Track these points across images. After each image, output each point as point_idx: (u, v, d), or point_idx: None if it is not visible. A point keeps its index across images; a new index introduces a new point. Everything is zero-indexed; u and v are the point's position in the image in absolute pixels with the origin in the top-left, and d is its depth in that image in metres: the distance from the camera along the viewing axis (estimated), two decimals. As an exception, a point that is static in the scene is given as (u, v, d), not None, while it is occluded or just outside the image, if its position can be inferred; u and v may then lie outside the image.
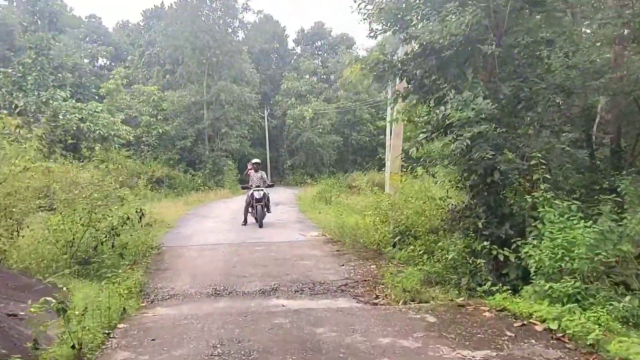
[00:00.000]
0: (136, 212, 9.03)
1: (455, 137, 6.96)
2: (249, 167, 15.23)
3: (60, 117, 17.99)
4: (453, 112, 6.98)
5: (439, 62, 7.85)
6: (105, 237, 8.24)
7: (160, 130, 30.75)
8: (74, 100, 22.04)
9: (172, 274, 8.21)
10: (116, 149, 23.10)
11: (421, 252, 8.40)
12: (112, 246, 8.32)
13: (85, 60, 51.42)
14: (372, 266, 8.62)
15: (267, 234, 12.81)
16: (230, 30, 36.56)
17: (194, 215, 18.38)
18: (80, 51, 45.61)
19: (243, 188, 15.01)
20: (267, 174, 15.69)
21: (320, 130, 44.87)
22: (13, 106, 15.08)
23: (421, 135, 8.23)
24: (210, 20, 34.61)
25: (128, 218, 8.53)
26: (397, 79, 8.93)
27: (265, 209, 14.67)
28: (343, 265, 8.74)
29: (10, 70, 16.54)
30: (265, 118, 47.59)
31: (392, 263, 8.80)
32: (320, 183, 34.26)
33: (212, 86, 32.88)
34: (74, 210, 8.53)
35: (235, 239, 12.09)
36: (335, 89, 51.39)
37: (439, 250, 7.68)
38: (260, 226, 14.14)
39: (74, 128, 19.20)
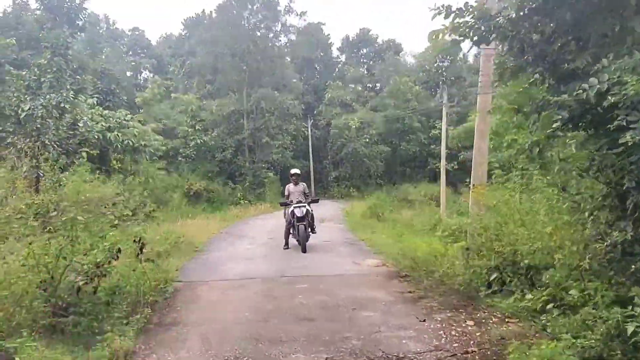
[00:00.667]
0: (135, 241, 6.58)
1: (623, 124, 4.20)
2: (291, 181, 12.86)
3: (81, 124, 16.03)
4: (617, 85, 4.24)
5: (575, 16, 5.12)
6: (86, 277, 5.81)
7: (199, 141, 28.82)
8: (101, 108, 20.15)
9: (177, 335, 5.67)
10: (148, 160, 21.09)
11: (543, 300, 5.65)
12: (95, 292, 5.88)
13: (128, 74, 50.85)
14: (468, 323, 5.87)
15: (312, 263, 10.22)
16: (272, 35, 34.52)
17: (229, 234, 16.00)
18: (123, 64, 44.86)
19: (282, 205, 12.51)
20: (309, 187, 13.21)
21: (367, 140, 42.20)
22: (19, 111, 13.11)
23: (544, 126, 5.44)
24: (251, 24, 32.65)
25: (119, 250, 6.07)
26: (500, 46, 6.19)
27: (309, 229, 12.15)
28: (425, 320, 6.02)
29: (24, 73, 14.58)
30: (309, 128, 45.28)
31: (494, 316, 6.04)
32: (369, 196, 31.60)
33: (252, 94, 30.77)
34: (48, 238, 6.17)
35: (271, 270, 9.55)
36: (383, 96, 48.73)
37: (581, 304, 4.91)
38: (304, 251, 11.59)
39: (97, 137, 17.21)
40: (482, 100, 9.52)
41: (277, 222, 19.49)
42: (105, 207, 14.27)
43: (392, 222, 18.80)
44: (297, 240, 12.13)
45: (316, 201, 12.58)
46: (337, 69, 54.04)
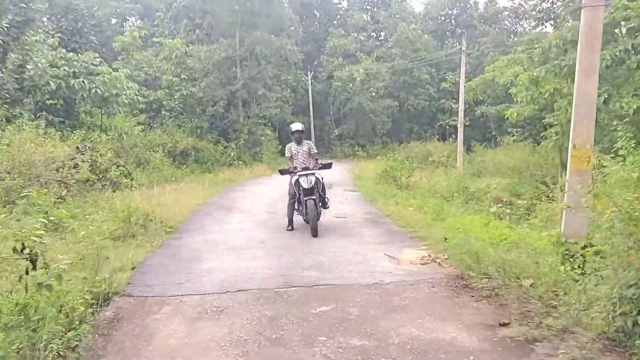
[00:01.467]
0: (14, 250, 3.46)
1: None
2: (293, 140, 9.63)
3: (30, 66, 12.68)
4: None
5: None
6: None
7: (185, 93, 25.30)
8: (64, 50, 16.71)
9: None
10: (122, 114, 17.79)
11: None
12: None
13: (113, 21, 46.66)
14: None
15: (330, 257, 7.11)
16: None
17: (217, 206, 12.86)
18: (107, 10, 40.73)
19: (283, 173, 9.42)
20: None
21: (373, 94, 38.67)
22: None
23: None
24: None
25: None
26: None
27: (320, 205, 9.05)
28: None
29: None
30: (309, 81, 41.57)
31: None
32: (375, 156, 28.39)
33: (245, 38, 27.06)
34: None
35: (271, 271, 6.41)
36: (389, 46, 44.84)
37: None
38: (315, 234, 8.52)
39: (55, 84, 13.88)
40: (589, 18, 6.23)
41: (277, 188, 16.33)
42: (58, 170, 11.19)
43: (412, 188, 15.72)
44: (304, 220, 9.05)
45: (328, 166, 9.38)
46: (338, 16, 49.83)
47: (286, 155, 9.48)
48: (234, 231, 9.32)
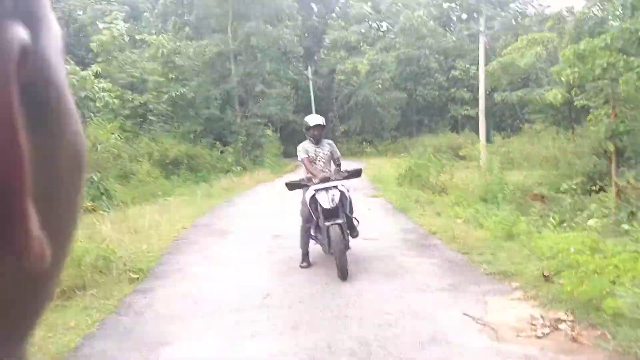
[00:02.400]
0: None
1: None
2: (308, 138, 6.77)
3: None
4: None
5: None
6: None
7: (174, 94, 22.57)
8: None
9: None
10: (94, 120, 15.11)
11: None
12: None
13: (101, 26, 44.02)
14: None
15: (375, 326, 4.35)
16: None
17: (206, 229, 10.05)
18: (92, 12, 38.04)
19: (292, 187, 6.57)
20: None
21: (379, 85, 35.90)
22: None
23: None
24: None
25: None
26: None
27: (348, 233, 6.28)
28: None
29: None
30: (309, 77, 38.84)
31: None
32: (396, 154, 25.59)
33: (239, 31, 24.30)
34: None
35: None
36: (392, 37, 41.95)
37: None
38: (344, 277, 5.76)
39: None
40: None
41: (282, 196, 13.61)
42: None
43: (447, 191, 13.01)
44: (326, 250, 6.31)
45: (357, 174, 6.60)
46: (337, 8, 47.09)
47: (300, 156, 6.72)
48: (226, 274, 6.57)
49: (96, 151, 14.83)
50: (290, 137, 39.71)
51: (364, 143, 35.74)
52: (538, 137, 24.68)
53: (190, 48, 24.43)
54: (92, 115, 14.67)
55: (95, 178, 13.38)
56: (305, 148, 6.60)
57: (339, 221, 5.87)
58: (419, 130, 40.88)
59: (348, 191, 6.34)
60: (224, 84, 24.52)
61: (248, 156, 23.83)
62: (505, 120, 39.01)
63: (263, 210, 11.97)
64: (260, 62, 24.29)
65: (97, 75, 23.71)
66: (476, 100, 41.20)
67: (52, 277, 0.31)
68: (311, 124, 6.61)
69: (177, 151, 21.44)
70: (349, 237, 6.16)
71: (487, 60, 39.67)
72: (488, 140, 31.54)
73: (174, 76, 23.12)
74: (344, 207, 6.11)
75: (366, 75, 35.37)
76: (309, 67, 39.12)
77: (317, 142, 6.56)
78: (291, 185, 6.40)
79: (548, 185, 16.23)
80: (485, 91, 37.10)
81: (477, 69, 39.85)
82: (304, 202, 6.46)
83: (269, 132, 26.26)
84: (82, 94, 13.95)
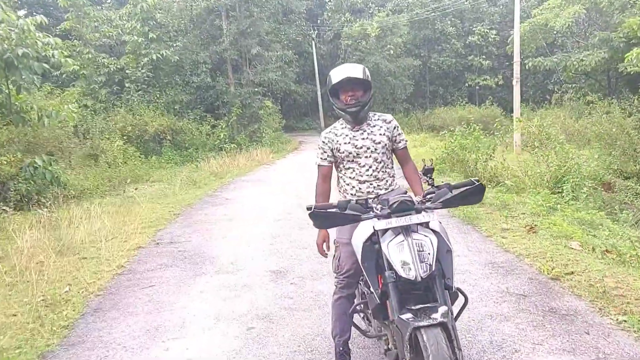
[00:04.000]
0: None
1: None
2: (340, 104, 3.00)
3: None
4: None
5: None
6: None
7: (155, 57, 18.86)
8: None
9: None
10: (37, 86, 11.49)
11: None
12: None
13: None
14: None
15: None
16: None
17: (173, 249, 6.49)
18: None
19: (324, 222, 2.63)
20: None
21: (391, 52, 32.00)
22: None
23: None
24: None
25: None
26: None
27: (457, 339, 2.35)
28: None
29: None
30: (313, 43, 34.85)
31: None
32: (444, 135, 22.05)
33: (232, -19, 20.38)
34: None
35: None
36: (403, -3, 37.80)
37: None
38: None
39: None
40: None
41: (288, 187, 10.16)
42: None
43: (510, 182, 9.51)
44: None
45: (478, 194, 2.61)
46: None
47: (319, 158, 3.21)
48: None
49: (43, 126, 11.30)
50: (292, 109, 36.07)
51: (374, 116, 32.01)
52: (581, 109, 21.04)
53: (175, 3, 20.55)
54: (34, 78, 10.99)
55: (40, 162, 9.96)
56: (329, 139, 3.14)
57: (441, 318, 2.32)
58: (432, 102, 37.23)
59: (443, 230, 2.73)
60: (214, 45, 20.72)
61: (244, 131, 20.21)
62: (529, 92, 35.24)
63: (260, 209, 8.44)
64: (257, 19, 20.39)
65: (66, 33, 19.99)
66: (494, 69, 37.71)
67: None
68: (338, 78, 2.96)
69: (157, 125, 17.88)
70: (459, 346, 2.53)
71: (504, 26, 35.79)
72: (506, 114, 28.02)
73: (155, 36, 19.36)
74: (443, 274, 2.54)
75: (376, 39, 31.48)
76: (313, 31, 35.16)
77: (356, 120, 3.06)
78: (321, 218, 2.72)
79: (610, 169, 12.76)
80: (505, 58, 33.38)
81: (497, 34, 36.18)
82: (344, 251, 2.99)
83: (268, 103, 22.56)
84: (19, 51, 10.28)
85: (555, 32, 25.74)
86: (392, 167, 3.18)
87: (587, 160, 10.80)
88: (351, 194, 3.10)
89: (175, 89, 20.27)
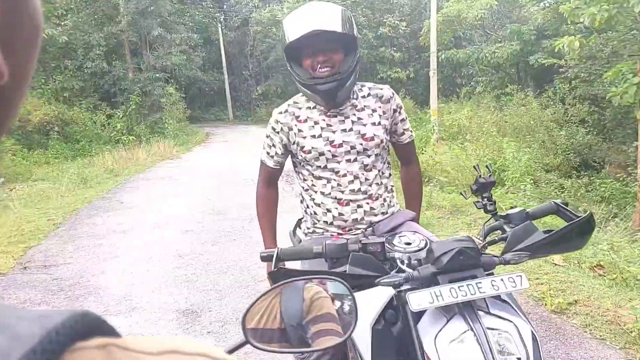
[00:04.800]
0: None
1: None
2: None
3: None
4: None
5: None
6: None
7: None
8: None
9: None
10: None
11: None
12: None
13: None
14: None
15: None
16: None
17: (41, 285, 5.07)
18: None
19: (282, 276, 1.36)
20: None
21: (303, 39, 30.92)
22: None
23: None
24: None
25: None
26: None
27: None
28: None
29: None
30: (220, 28, 33.01)
31: None
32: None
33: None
34: None
35: None
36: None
37: None
38: None
39: None
40: None
41: (206, 192, 8.73)
42: None
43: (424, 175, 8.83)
44: None
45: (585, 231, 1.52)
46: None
47: (265, 151, 2.07)
48: None
49: None
50: (198, 98, 34.00)
51: (287, 106, 30.89)
52: (494, 103, 21.19)
53: (62, -24, 18.16)
54: None
55: None
56: (284, 125, 2.05)
57: None
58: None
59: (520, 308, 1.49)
60: (110, 26, 18.57)
61: (144, 122, 18.29)
62: (436, 85, 35.63)
63: (171, 225, 7.04)
64: (159, -3, 18.52)
65: None
66: (404, 62, 37.82)
67: (12, 96, 0.37)
68: (300, 31, 1.84)
69: (43, 115, 15.64)
70: None
71: (413, 18, 36.03)
72: (422, 107, 28.16)
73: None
74: None
75: (287, 26, 30.30)
76: (220, 17, 33.30)
77: (332, 102, 1.94)
78: (280, 274, 1.49)
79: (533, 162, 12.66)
80: (415, 51, 33.51)
81: (407, 26, 36.25)
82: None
83: (171, 89, 20.68)
84: None
85: (466, 25, 25.91)
86: (390, 175, 2.06)
87: (515, 153, 10.40)
88: (324, 222, 1.96)
89: (65, 74, 17.95)
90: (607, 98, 9.32)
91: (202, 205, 7.82)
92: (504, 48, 22.64)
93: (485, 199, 1.70)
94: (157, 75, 18.75)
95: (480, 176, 1.71)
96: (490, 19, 27.45)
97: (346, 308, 1.27)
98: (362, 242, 1.44)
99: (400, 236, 1.52)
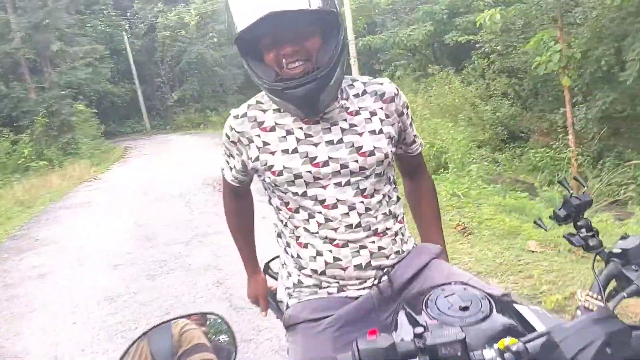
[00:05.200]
0: None
1: None
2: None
3: None
4: None
5: None
6: None
7: None
8: None
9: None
10: None
11: None
12: None
13: None
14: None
15: None
16: None
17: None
18: None
19: None
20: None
21: (215, 39, 30.02)
22: None
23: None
24: None
25: None
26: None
27: None
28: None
29: None
30: (125, 37, 31.30)
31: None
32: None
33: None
34: None
35: None
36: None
37: None
38: None
39: None
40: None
41: (133, 216, 7.87)
42: None
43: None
44: None
45: None
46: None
47: (224, 161, 1.52)
48: None
49: None
50: (111, 112, 32.19)
51: (207, 111, 29.83)
52: (417, 85, 21.34)
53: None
54: None
55: None
56: (241, 134, 1.43)
57: None
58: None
59: None
60: (1, 44, 16.97)
61: (54, 144, 16.87)
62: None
63: (97, 260, 6.18)
64: (53, 9, 17.04)
65: None
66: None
67: None
68: (253, 16, 1.16)
69: None
70: None
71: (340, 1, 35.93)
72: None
73: None
74: None
75: (196, 28, 29.25)
76: (125, 24, 31.65)
77: (311, 110, 1.33)
78: None
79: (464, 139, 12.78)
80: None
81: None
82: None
83: (80, 106, 19.25)
84: None
85: (379, 10, 25.99)
86: (399, 200, 1.52)
87: (452, 134, 10.29)
88: (313, 271, 1.41)
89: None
90: (532, 67, 9.34)
91: (129, 231, 7.03)
92: (418, 30, 22.88)
93: (584, 229, 1.20)
94: (63, 92, 17.34)
95: (572, 195, 1.22)
96: (401, 2, 27.68)
97: (222, 339, 1.37)
98: (420, 337, 0.84)
99: (445, 296, 1.01)
